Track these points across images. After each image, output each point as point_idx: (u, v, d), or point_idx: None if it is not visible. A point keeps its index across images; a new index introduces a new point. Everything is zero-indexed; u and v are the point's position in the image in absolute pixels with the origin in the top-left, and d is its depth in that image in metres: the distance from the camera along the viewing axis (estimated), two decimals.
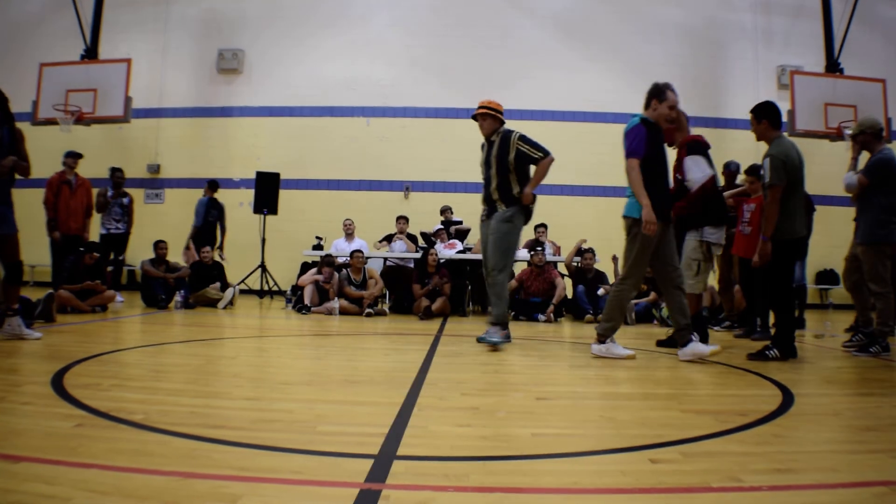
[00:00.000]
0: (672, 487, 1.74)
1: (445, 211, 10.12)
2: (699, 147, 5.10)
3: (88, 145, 10.78)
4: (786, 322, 4.58)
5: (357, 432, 2.25)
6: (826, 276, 11.99)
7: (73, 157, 8.37)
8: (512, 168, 5.07)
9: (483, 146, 5.30)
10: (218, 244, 9.75)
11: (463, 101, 11.44)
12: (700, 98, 11.83)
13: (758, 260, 4.55)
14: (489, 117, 5.19)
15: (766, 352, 4.49)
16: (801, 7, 11.67)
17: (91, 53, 11.05)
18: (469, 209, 10.17)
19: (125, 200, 8.97)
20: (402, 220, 9.47)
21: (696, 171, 5.02)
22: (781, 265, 4.53)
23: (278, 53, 12.10)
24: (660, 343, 5.30)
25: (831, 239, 10.10)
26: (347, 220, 9.75)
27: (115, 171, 8.97)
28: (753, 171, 6.18)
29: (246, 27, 12.19)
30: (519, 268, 8.79)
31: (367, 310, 7.70)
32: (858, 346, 5.04)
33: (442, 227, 9.44)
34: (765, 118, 4.63)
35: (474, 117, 5.19)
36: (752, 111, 4.70)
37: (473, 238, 9.70)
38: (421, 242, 9.54)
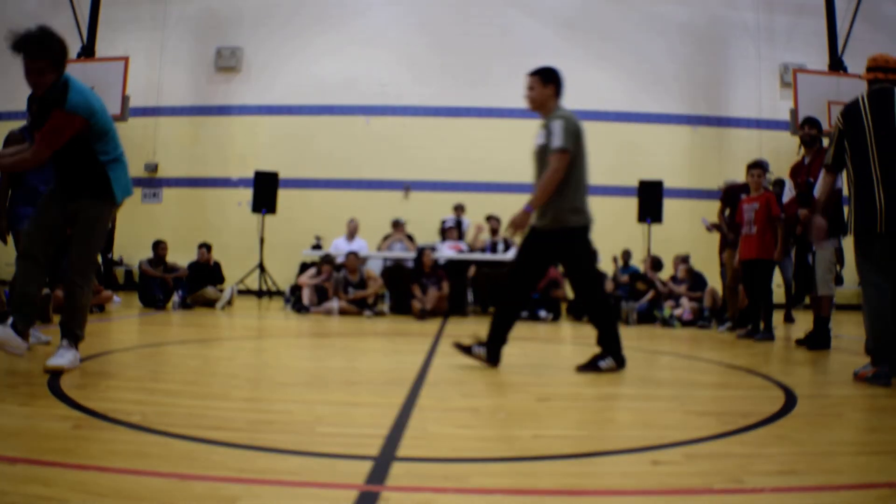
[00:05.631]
0: (674, 489, 1.73)
1: (458, 209, 10.05)
2: None
3: None
4: None
5: (356, 433, 2.24)
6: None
7: None
8: None
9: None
10: None
11: (463, 100, 11.34)
12: (703, 96, 11.82)
13: None
14: None
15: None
16: (804, 5, 11.65)
17: (88, 51, 11.03)
18: (472, 211, 10.16)
19: None
20: (398, 227, 9.32)
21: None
22: None
23: (277, 52, 12.07)
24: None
25: None
26: (353, 219, 9.70)
27: None
28: (759, 164, 6.10)
29: (244, 25, 12.16)
30: None
31: (367, 312, 7.67)
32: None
33: (453, 225, 9.31)
34: None
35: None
36: None
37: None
38: (422, 242, 9.49)
